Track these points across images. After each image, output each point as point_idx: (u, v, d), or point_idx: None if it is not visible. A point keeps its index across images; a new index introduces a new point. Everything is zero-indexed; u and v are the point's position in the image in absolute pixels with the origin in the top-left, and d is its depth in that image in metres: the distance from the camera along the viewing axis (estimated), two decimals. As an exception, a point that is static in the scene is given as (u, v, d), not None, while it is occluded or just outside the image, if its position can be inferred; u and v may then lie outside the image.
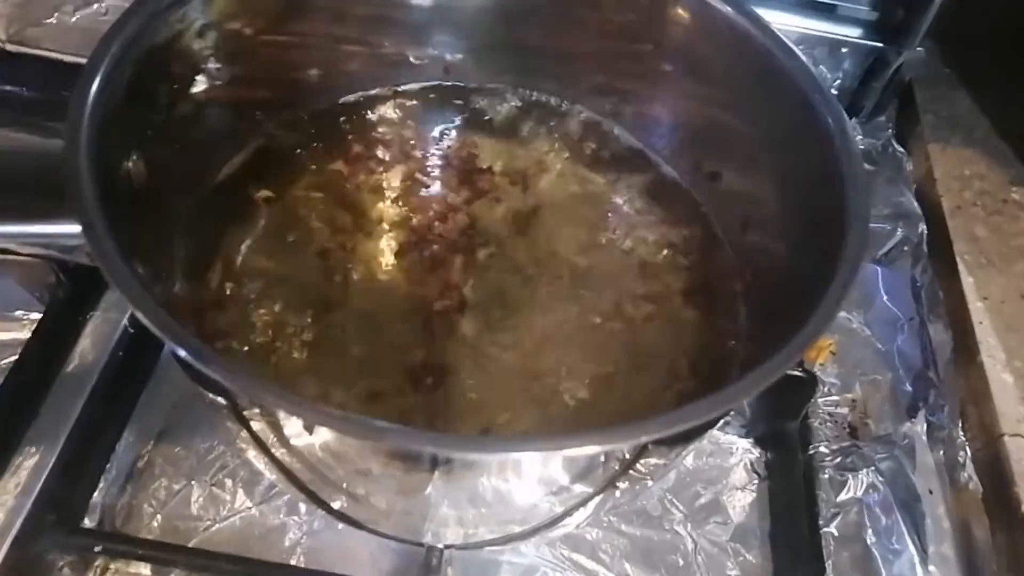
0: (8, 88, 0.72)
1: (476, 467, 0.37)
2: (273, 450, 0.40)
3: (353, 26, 0.56)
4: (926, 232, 0.70)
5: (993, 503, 0.55)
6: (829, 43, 0.76)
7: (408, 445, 0.29)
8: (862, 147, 0.77)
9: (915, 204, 0.72)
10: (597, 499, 0.44)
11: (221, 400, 0.37)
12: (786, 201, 0.50)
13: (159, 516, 0.50)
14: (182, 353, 0.30)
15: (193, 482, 0.52)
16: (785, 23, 0.75)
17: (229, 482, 0.52)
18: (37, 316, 0.55)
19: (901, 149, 0.77)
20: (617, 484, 0.43)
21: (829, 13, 0.76)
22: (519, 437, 0.30)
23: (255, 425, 0.38)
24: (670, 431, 0.33)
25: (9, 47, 0.75)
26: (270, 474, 0.43)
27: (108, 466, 0.52)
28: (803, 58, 0.48)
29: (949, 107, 0.79)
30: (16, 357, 0.53)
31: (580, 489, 0.42)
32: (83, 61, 0.40)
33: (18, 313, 0.57)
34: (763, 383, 0.35)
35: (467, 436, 0.39)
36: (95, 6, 0.78)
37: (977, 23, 0.81)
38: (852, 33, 0.76)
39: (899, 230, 0.70)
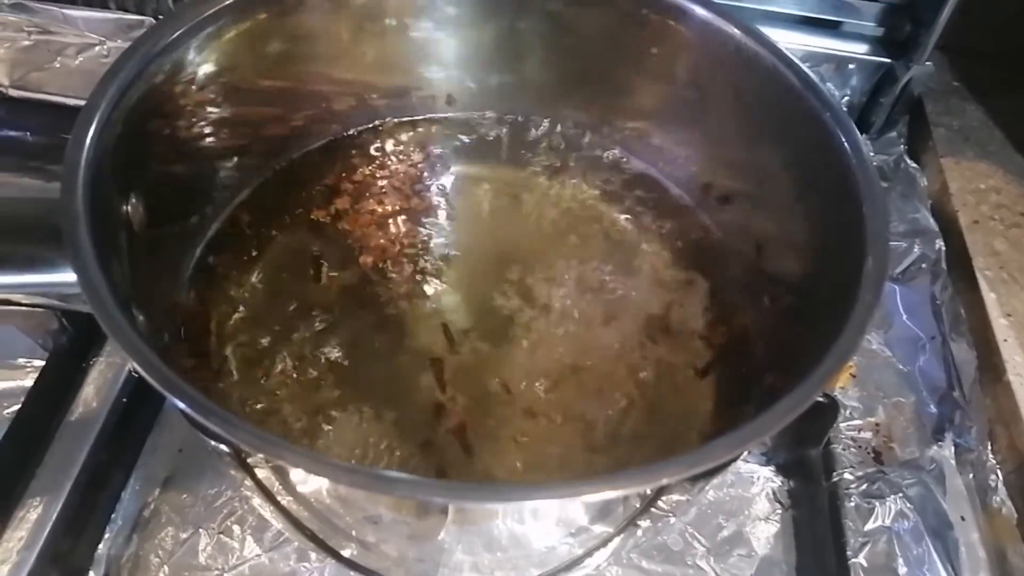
0: (11, 133, 0.72)
1: (490, 511, 0.36)
2: (279, 498, 0.39)
3: (353, 62, 0.56)
4: (944, 248, 0.68)
5: (1029, 529, 0.53)
6: (836, 60, 0.75)
7: (419, 496, 0.28)
8: (874, 164, 0.76)
9: (931, 220, 0.71)
10: (618, 539, 0.42)
11: (224, 448, 0.36)
12: (801, 222, 0.49)
13: (166, 567, 0.49)
14: (180, 405, 0.29)
15: (201, 530, 0.50)
16: (790, 41, 0.74)
17: (237, 529, 0.50)
18: (40, 363, 0.55)
19: (914, 164, 0.76)
20: (638, 522, 0.41)
21: (834, 30, 0.75)
22: (534, 484, 0.29)
23: (260, 473, 0.37)
24: (693, 471, 0.31)
25: (12, 92, 0.75)
26: (277, 522, 0.42)
27: (113, 516, 0.51)
28: (812, 76, 0.47)
29: (961, 120, 0.78)
30: (19, 406, 0.52)
31: (600, 529, 0.41)
32: (86, 104, 0.39)
33: (21, 361, 0.56)
34: (787, 417, 0.34)
35: (480, 484, 0.38)
36: (96, 49, 0.79)
37: (984, 35, 0.80)
38: (858, 49, 0.75)
39: (916, 247, 0.69)
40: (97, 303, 0.32)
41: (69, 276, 0.34)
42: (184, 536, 0.50)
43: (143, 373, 0.30)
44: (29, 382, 0.54)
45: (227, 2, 0.46)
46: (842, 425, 0.59)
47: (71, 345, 0.55)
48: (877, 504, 0.54)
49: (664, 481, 0.30)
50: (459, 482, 0.40)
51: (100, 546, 0.49)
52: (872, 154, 0.77)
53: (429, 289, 0.53)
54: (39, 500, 0.48)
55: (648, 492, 0.39)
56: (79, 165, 0.37)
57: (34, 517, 0.47)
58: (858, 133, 0.44)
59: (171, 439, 0.54)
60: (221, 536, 0.50)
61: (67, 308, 0.54)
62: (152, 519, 0.51)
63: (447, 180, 0.59)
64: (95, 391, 0.53)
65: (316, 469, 0.29)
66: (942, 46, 0.72)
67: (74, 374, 0.54)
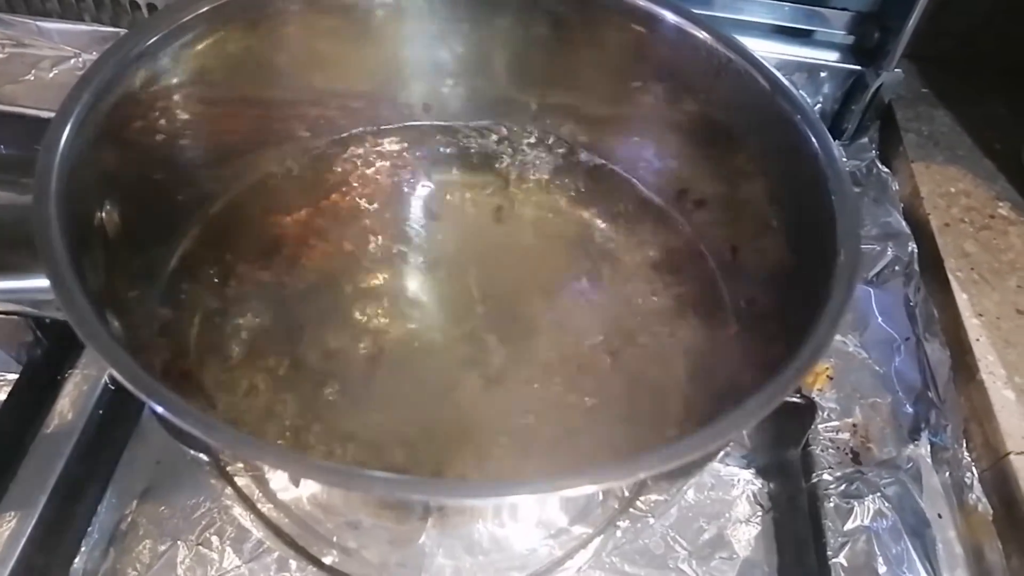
0: (-16, 146, 0.71)
1: (471, 512, 0.36)
2: (259, 505, 0.38)
3: (328, 71, 0.56)
4: (916, 251, 0.69)
5: (1005, 525, 0.54)
6: (808, 68, 0.76)
7: (398, 494, 0.28)
8: (847, 169, 0.77)
9: (903, 223, 0.72)
10: (598, 540, 0.42)
11: (204, 457, 0.36)
12: (774, 224, 0.49)
13: (143, 580, 0.48)
14: (158, 408, 0.28)
15: (179, 542, 0.49)
16: (763, 50, 0.75)
17: (216, 540, 0.50)
18: (13, 376, 0.54)
19: (886, 169, 0.77)
20: (618, 523, 0.42)
21: (806, 38, 0.76)
22: (513, 480, 0.29)
23: (239, 481, 0.37)
24: (668, 466, 0.31)
25: (-15, 106, 0.74)
26: (257, 531, 0.41)
27: (90, 529, 0.50)
28: (783, 80, 0.47)
29: (930, 126, 0.80)
30: (-8, 419, 0.51)
31: (580, 530, 0.41)
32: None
33: (-6, 374, 0.55)
34: (762, 412, 0.34)
35: (460, 481, 0.38)
36: (71, 61, 0.78)
37: (951, 44, 0.82)
38: (830, 57, 0.76)
39: (889, 250, 0.70)
40: (70, 307, 0.32)
41: (42, 282, 0.33)
42: (162, 549, 0.49)
43: (119, 377, 0.30)
44: (3, 395, 0.53)
45: (201, 11, 0.46)
46: (820, 426, 0.59)
47: (46, 357, 0.54)
48: (856, 504, 0.55)
49: (641, 475, 0.31)
50: (437, 479, 0.39)
51: (76, 560, 0.49)
52: (845, 159, 0.77)
53: (407, 298, 0.53)
54: (13, 515, 0.47)
55: (626, 492, 0.39)
56: (52, 170, 0.36)
57: (7, 532, 0.47)
58: (828, 134, 0.45)
59: (148, 451, 0.53)
60: (200, 548, 0.49)
61: (41, 317, 0.53)
62: (129, 532, 0.50)
63: (423, 188, 0.59)
64: (70, 403, 0.53)
65: (295, 469, 0.28)
66: (911, 54, 0.73)
67: (49, 386, 0.53)
